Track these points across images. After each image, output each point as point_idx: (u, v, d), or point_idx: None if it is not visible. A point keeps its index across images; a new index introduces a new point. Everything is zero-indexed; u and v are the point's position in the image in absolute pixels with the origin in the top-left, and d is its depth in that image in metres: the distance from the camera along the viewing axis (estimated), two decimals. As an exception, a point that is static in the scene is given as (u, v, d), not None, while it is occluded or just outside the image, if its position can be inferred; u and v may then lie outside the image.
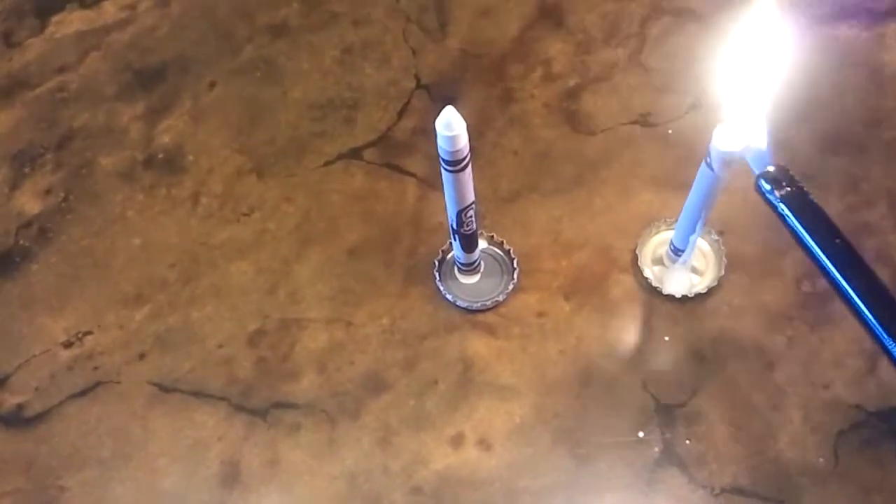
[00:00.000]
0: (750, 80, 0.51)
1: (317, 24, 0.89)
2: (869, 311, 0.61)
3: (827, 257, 0.51)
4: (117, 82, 0.86)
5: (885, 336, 0.58)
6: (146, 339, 0.73)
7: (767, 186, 0.49)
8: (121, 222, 0.78)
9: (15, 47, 0.90)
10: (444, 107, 0.51)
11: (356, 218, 0.77)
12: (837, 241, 0.51)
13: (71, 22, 0.91)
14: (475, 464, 0.66)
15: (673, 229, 0.70)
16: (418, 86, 0.84)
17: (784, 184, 0.49)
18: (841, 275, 0.61)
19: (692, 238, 0.66)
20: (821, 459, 0.65)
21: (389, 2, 0.89)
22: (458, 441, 0.67)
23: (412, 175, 0.79)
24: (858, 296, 0.62)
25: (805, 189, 0.49)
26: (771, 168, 0.50)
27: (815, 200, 0.49)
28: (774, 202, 0.50)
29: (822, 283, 0.56)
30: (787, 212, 0.49)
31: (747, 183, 0.50)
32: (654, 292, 0.71)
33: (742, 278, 0.71)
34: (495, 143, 0.80)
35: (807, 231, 0.50)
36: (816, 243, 0.50)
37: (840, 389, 0.67)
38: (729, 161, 0.54)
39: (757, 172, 0.50)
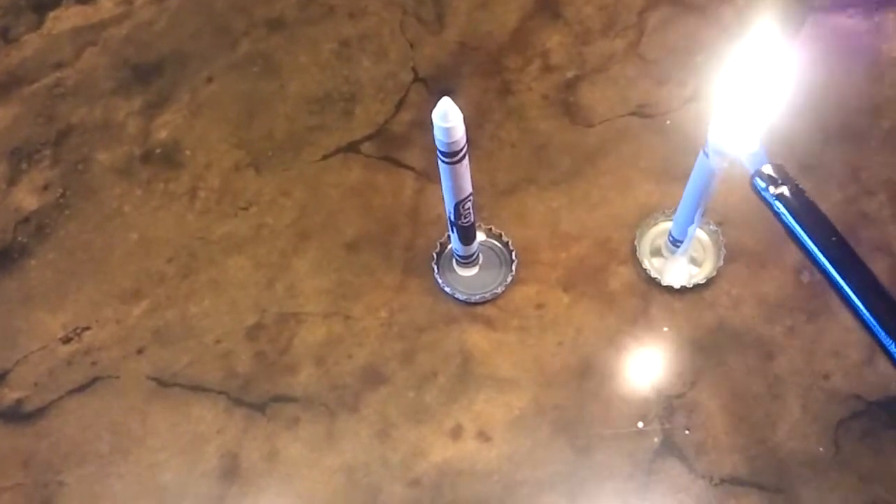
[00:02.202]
0: (749, 82, 0.51)
1: (313, 17, 0.88)
2: (865, 307, 0.61)
3: (823, 255, 0.51)
4: (114, 78, 0.86)
5: (881, 331, 0.58)
6: (144, 334, 0.73)
7: (763, 185, 0.49)
8: (118, 217, 0.78)
9: (12, 43, 0.89)
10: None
11: (354, 211, 0.77)
12: (833, 238, 0.51)
13: (68, 17, 0.91)
14: (474, 456, 0.66)
15: (671, 220, 0.70)
16: (416, 79, 0.84)
17: (780, 182, 0.49)
18: (837, 272, 0.61)
19: (691, 229, 0.66)
20: (821, 449, 0.65)
21: (386, -5, 0.89)
22: (457, 433, 0.67)
23: (410, 168, 0.79)
24: (854, 292, 0.61)
25: (801, 187, 0.49)
26: (767, 166, 0.49)
27: (811, 198, 0.49)
28: (770, 200, 0.49)
29: (821, 272, 0.56)
30: (782, 210, 0.49)
31: (746, 173, 0.49)
32: (652, 283, 0.71)
33: (741, 269, 0.71)
34: (493, 136, 0.80)
35: (803, 229, 0.49)
36: (813, 241, 0.50)
37: (840, 379, 0.67)
38: (724, 157, 0.54)
39: (752, 171, 0.49)
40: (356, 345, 0.71)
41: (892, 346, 0.59)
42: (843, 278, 0.64)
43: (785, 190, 0.49)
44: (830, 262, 0.62)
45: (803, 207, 0.49)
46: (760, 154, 0.51)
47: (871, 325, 0.63)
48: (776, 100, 0.50)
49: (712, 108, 0.52)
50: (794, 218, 0.56)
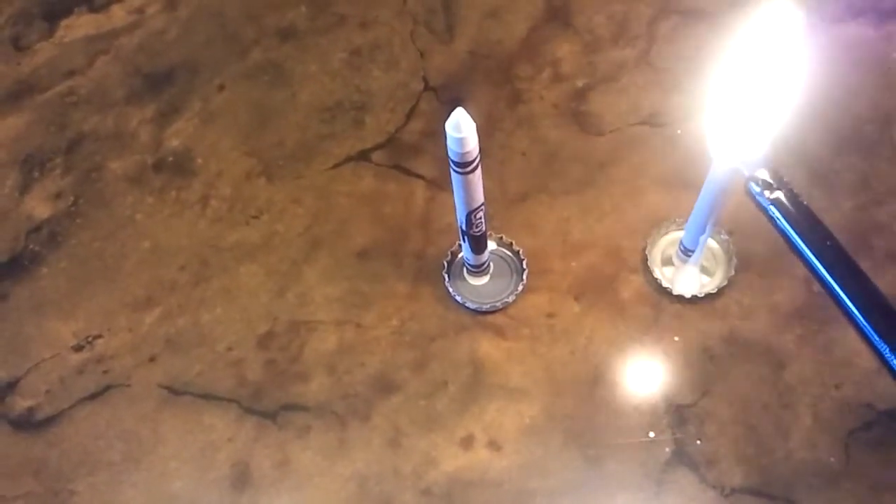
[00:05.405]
0: (747, 85, 0.51)
1: (324, 26, 0.89)
2: (859, 312, 0.61)
3: (818, 260, 0.51)
4: (126, 86, 0.87)
5: (875, 336, 0.58)
6: (156, 342, 0.73)
7: (757, 189, 0.49)
8: (130, 226, 0.79)
9: (24, 51, 0.90)
10: (452, 108, 0.51)
11: (365, 220, 0.77)
12: (829, 243, 0.51)
13: (80, 26, 0.91)
14: (485, 465, 0.66)
15: (682, 229, 0.70)
16: (426, 87, 0.84)
17: (775, 187, 0.49)
18: (832, 277, 0.60)
19: (702, 238, 0.66)
20: (832, 459, 0.64)
21: (397, 4, 0.89)
22: (468, 442, 0.67)
23: (420, 177, 0.79)
24: (849, 298, 0.61)
25: (796, 192, 0.49)
26: (762, 171, 0.49)
27: (807, 203, 0.49)
28: (765, 205, 0.49)
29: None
30: (777, 215, 0.49)
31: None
32: (663, 292, 0.71)
33: (752, 278, 0.71)
34: (504, 144, 0.80)
35: (797, 234, 0.50)
36: (807, 246, 0.50)
37: (851, 389, 0.67)
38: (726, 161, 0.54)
39: (747, 175, 0.49)
40: (367, 353, 0.71)
41: (883, 346, 0.58)
42: (837, 283, 0.64)
43: (780, 195, 0.49)
44: (825, 267, 0.62)
45: (798, 212, 0.49)
46: (757, 159, 0.51)
47: (865, 329, 0.63)
48: (781, 106, 0.51)
49: (717, 115, 0.52)
50: (788, 223, 0.56)
